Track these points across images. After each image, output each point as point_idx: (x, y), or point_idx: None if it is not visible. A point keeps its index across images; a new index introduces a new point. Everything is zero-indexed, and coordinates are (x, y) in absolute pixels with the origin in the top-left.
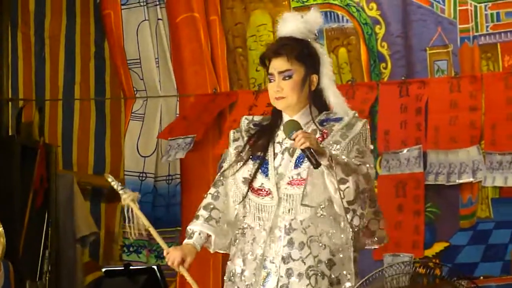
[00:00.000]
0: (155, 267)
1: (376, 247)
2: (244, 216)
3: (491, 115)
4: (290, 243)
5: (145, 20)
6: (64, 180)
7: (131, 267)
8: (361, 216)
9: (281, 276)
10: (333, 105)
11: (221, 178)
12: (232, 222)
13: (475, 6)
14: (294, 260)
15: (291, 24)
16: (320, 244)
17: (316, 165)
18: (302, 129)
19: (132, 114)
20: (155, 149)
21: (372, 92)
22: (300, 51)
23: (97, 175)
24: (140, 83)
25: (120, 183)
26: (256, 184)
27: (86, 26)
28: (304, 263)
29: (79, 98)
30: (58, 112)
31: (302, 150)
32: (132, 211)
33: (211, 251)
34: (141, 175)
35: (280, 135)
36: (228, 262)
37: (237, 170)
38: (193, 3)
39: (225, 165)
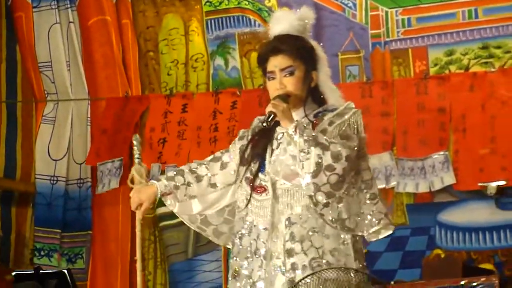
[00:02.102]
0: (65, 271)
1: (384, 234)
2: (246, 214)
3: (402, 121)
4: (292, 237)
5: (57, 23)
6: None
7: (41, 271)
8: (328, 195)
9: (287, 271)
10: (329, 100)
11: (209, 160)
12: (206, 204)
13: (386, 12)
14: (297, 253)
15: (286, 22)
16: (324, 234)
17: (267, 125)
18: (282, 99)
19: (43, 118)
20: (66, 153)
21: None
22: (299, 48)
23: (7, 178)
24: (51, 86)
25: (139, 153)
26: (256, 182)
27: None
28: (307, 255)
29: None
30: None
31: (267, 113)
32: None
33: (174, 209)
34: (52, 178)
35: (278, 131)
36: (231, 260)
37: (245, 171)
38: (104, 7)
39: (220, 154)
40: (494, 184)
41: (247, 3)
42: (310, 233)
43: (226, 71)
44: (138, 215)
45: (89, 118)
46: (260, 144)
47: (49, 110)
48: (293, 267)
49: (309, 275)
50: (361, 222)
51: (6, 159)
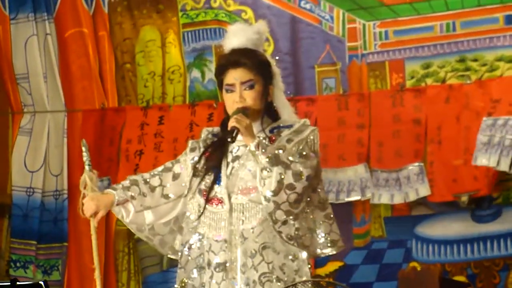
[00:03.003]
0: (42, 282)
1: (333, 252)
2: (197, 225)
3: (378, 132)
4: (244, 252)
5: (34, 35)
6: None
7: (18, 283)
8: (287, 213)
9: (241, 285)
10: (283, 115)
11: (161, 171)
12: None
13: (364, 24)
14: (248, 268)
15: (243, 36)
16: (274, 250)
17: (231, 140)
18: (242, 113)
19: (20, 129)
20: (43, 164)
21: None
22: (259, 62)
23: None
24: (28, 98)
25: (89, 159)
26: (211, 194)
27: None
28: (257, 270)
29: None
30: None
31: (230, 129)
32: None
33: (126, 219)
34: (28, 190)
35: (233, 144)
36: (179, 270)
37: (199, 184)
38: (81, 19)
39: (171, 164)
40: (465, 195)
41: (224, 15)
42: (262, 248)
43: (203, 83)
44: (93, 223)
45: (65, 130)
46: (215, 157)
47: (26, 122)
48: (246, 282)
49: None
50: (315, 240)
51: None
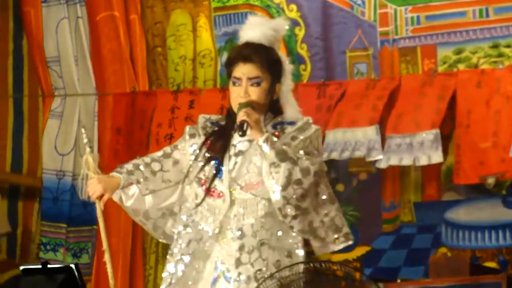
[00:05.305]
0: (73, 265)
1: (345, 245)
2: (193, 212)
3: (401, 105)
4: (241, 247)
5: (65, 18)
6: None
7: (48, 266)
8: (296, 208)
9: (234, 280)
10: (288, 113)
11: (161, 156)
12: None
13: (395, 9)
14: (243, 264)
15: (259, 31)
16: (270, 246)
17: (242, 134)
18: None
19: (51, 112)
20: (73, 147)
21: None
22: (270, 60)
23: (14, 173)
24: (58, 81)
25: (89, 141)
26: (211, 186)
27: (4, 22)
28: (253, 266)
29: None
30: None
31: (240, 123)
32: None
33: (127, 203)
34: (59, 173)
35: (235, 137)
36: (168, 256)
37: (198, 172)
38: (113, 2)
39: (170, 150)
40: (492, 177)
41: None
42: (260, 244)
43: None
44: (100, 206)
45: (96, 113)
46: (216, 148)
47: (57, 105)
48: (239, 277)
49: None
50: (331, 232)
51: (13, 154)
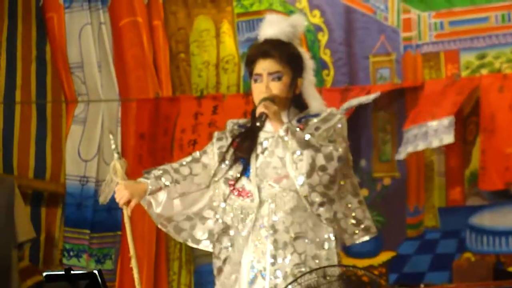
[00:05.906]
0: (96, 271)
1: (366, 238)
2: (223, 214)
3: (421, 103)
4: (275, 243)
5: (88, 24)
6: (4, 184)
7: (72, 272)
8: (323, 195)
9: (270, 278)
10: (312, 106)
11: (190, 161)
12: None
13: (419, 15)
14: (278, 260)
15: (277, 27)
16: (306, 240)
17: (260, 125)
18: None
19: (74, 118)
20: (97, 153)
21: None
22: (289, 54)
23: (37, 179)
24: (82, 87)
25: (117, 147)
26: (238, 185)
27: (27, 29)
28: (289, 261)
29: (20, 101)
30: None
31: (258, 115)
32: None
33: (157, 210)
34: (82, 179)
35: (262, 135)
36: (214, 259)
37: (225, 173)
38: (136, 8)
39: (198, 155)
40: None
41: (278, 5)
42: (294, 238)
43: None
44: (127, 212)
45: (119, 119)
46: (244, 148)
47: (80, 111)
48: (275, 274)
49: (290, 283)
50: (351, 225)
51: (36, 160)
